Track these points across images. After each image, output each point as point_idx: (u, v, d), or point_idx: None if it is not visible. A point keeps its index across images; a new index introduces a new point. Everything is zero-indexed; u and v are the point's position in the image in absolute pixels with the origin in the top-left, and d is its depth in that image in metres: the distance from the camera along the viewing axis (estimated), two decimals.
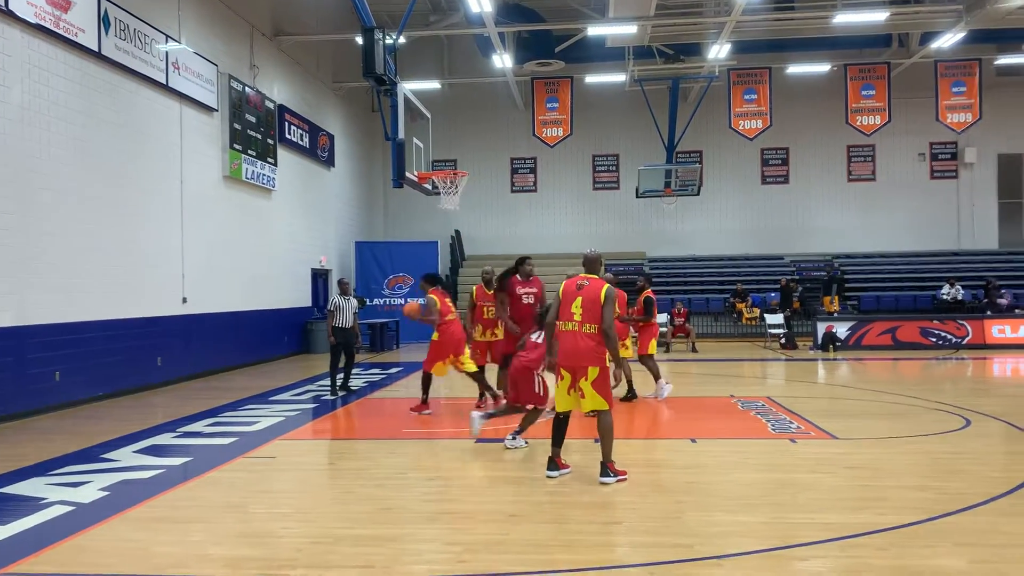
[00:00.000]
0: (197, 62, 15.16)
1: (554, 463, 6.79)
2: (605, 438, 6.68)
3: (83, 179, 11.98)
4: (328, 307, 12.55)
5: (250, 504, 6.23)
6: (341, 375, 12.71)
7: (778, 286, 23.06)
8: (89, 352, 11.94)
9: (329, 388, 12.68)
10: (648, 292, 11.99)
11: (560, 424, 6.83)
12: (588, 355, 6.57)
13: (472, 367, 10.50)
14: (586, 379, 6.57)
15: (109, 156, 12.61)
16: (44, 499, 6.35)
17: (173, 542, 5.27)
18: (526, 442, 8.19)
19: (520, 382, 7.90)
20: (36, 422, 10.35)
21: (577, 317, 6.64)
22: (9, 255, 10.43)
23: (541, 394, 7.99)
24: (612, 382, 6.84)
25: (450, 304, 10.54)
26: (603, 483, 6.52)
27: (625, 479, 6.61)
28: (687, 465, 7.52)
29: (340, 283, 12.98)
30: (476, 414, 8.44)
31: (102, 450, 8.32)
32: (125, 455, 8.07)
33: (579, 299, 6.68)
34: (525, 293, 10.03)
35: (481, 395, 10.66)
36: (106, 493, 6.56)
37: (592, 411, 6.75)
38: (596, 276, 6.90)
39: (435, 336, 10.40)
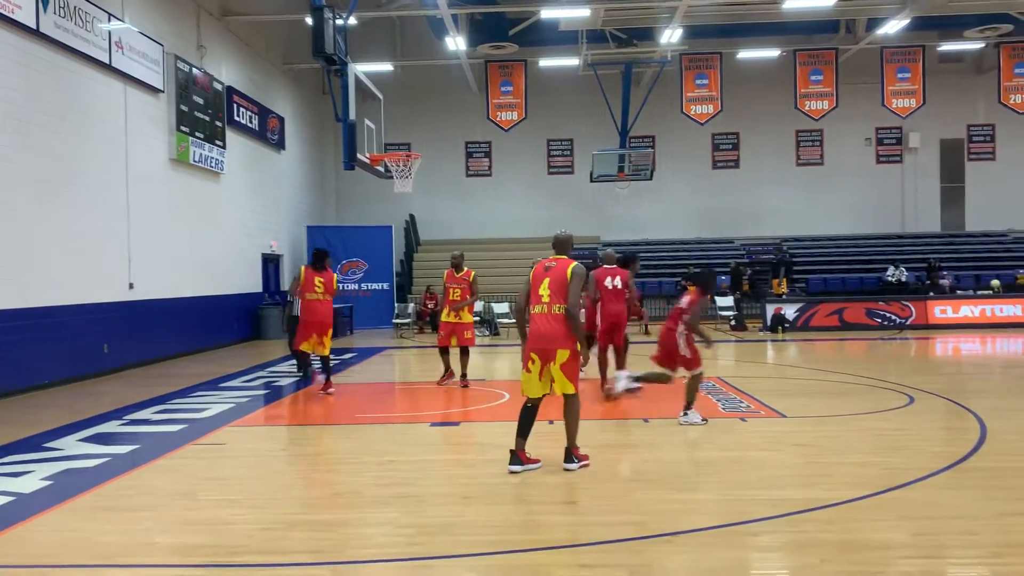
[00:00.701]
0: (142, 41, 14.75)
1: (517, 457, 6.41)
2: (571, 423, 6.54)
3: (24, 161, 11.59)
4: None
5: (199, 491, 6.12)
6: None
7: (728, 269, 23.37)
8: (32, 339, 11.61)
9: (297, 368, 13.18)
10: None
11: (528, 413, 6.59)
12: (557, 338, 6.40)
13: (324, 351, 10.74)
14: (554, 362, 6.40)
15: (51, 138, 12.22)
16: None
17: (119, 531, 5.15)
18: (704, 419, 8.20)
19: (667, 346, 8.32)
20: None
21: (545, 299, 6.49)
22: None
23: (690, 357, 8.24)
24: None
25: (320, 283, 10.64)
26: (567, 469, 6.39)
27: (588, 465, 6.49)
28: (639, 444, 7.60)
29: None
30: (622, 373, 9.11)
31: (45, 439, 8.11)
32: (69, 444, 7.87)
33: (546, 280, 6.53)
34: (611, 277, 10.35)
35: (446, 370, 11.51)
36: (49, 482, 6.39)
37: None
38: (565, 257, 6.71)
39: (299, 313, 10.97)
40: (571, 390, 6.49)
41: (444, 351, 11.46)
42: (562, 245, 6.83)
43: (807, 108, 22.23)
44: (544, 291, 6.52)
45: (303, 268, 10.80)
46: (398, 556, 4.65)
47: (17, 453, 7.47)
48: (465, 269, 11.30)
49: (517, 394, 10.69)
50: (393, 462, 6.97)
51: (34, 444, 7.87)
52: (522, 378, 6.63)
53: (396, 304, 23.32)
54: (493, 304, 21.48)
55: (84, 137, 13.12)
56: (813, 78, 22.04)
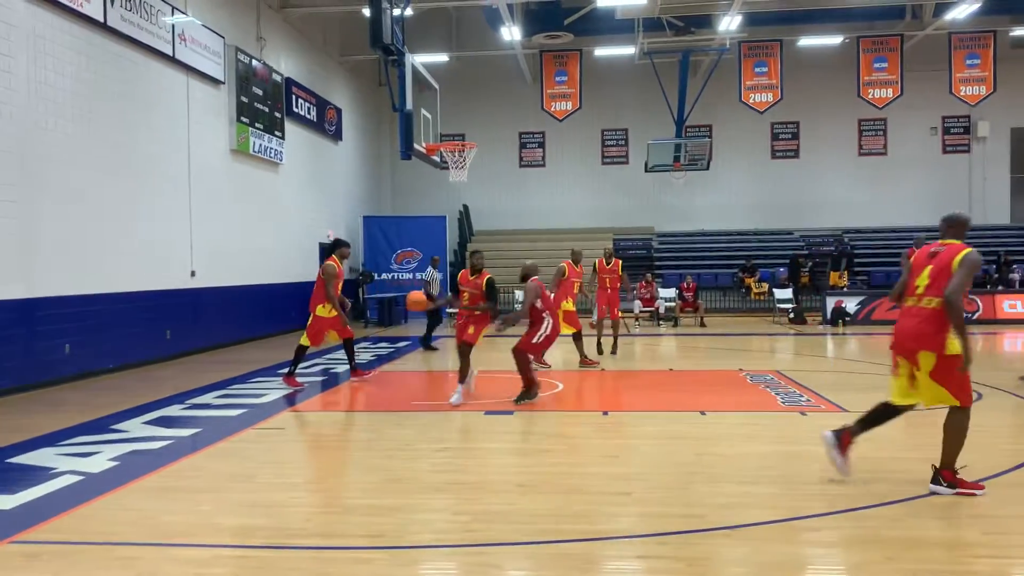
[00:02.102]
0: (204, 34, 15.04)
1: (839, 438, 5.70)
2: (947, 439, 5.45)
3: (91, 152, 11.93)
4: (425, 277, 15.98)
5: (259, 474, 6.23)
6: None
7: (787, 261, 22.94)
8: (98, 325, 11.96)
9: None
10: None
11: (884, 411, 5.80)
12: (921, 337, 5.35)
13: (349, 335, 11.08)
14: (919, 368, 5.40)
15: (116, 128, 12.54)
16: (54, 469, 6.37)
17: (182, 511, 5.27)
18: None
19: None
20: (46, 394, 10.38)
21: (920, 290, 5.45)
22: (18, 228, 10.42)
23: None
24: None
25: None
26: (933, 491, 5.42)
27: (974, 494, 5.34)
28: (696, 437, 7.49)
29: (432, 260, 16.19)
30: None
31: (111, 421, 8.35)
32: (134, 426, 8.09)
33: (928, 268, 5.45)
34: None
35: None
36: (115, 463, 6.58)
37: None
38: (957, 242, 5.51)
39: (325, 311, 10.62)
40: (950, 401, 5.39)
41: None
42: (957, 226, 5.60)
43: (870, 96, 21.63)
44: (922, 280, 5.45)
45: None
46: (454, 542, 4.66)
47: (85, 435, 7.70)
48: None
49: (570, 384, 10.70)
50: (448, 449, 7.00)
51: (101, 426, 8.11)
52: (890, 382, 5.79)
53: (449, 293, 23.37)
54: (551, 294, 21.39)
55: (148, 128, 13.44)
56: (877, 65, 21.43)
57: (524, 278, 9.72)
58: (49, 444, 7.29)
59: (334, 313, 10.56)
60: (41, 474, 6.23)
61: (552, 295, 10.73)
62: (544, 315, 9.41)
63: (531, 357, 9.56)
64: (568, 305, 12.37)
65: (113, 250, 12.41)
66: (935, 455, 5.59)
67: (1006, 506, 5.16)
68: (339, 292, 10.67)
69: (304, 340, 10.62)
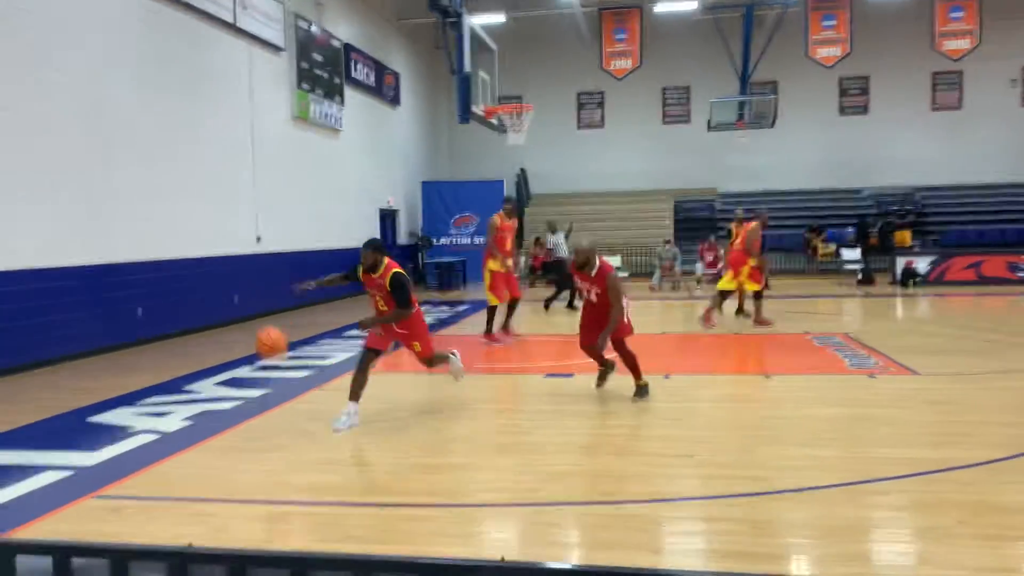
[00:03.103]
0: (264, 1, 15.16)
1: None
2: None
3: (158, 121, 12.19)
4: (548, 245, 16.56)
5: (326, 434, 6.37)
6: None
7: (855, 221, 22.32)
8: (168, 290, 12.32)
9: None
10: None
11: None
12: None
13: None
14: None
15: (182, 98, 12.78)
16: (131, 428, 6.63)
17: (254, 470, 5.43)
18: None
19: None
20: (121, 356, 10.77)
21: None
22: (91, 195, 10.75)
23: None
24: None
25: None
26: None
27: None
28: (761, 400, 7.40)
29: (549, 222, 16.55)
30: None
31: (184, 382, 8.62)
32: (206, 387, 8.34)
33: None
34: None
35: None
36: (189, 423, 6.81)
37: None
38: None
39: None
40: None
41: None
42: None
43: (945, 48, 20.76)
44: None
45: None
46: (517, 501, 4.71)
47: (160, 395, 7.98)
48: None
49: (630, 346, 10.61)
50: (510, 410, 7.06)
51: (174, 387, 8.39)
52: None
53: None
54: (606, 258, 21.27)
55: (211, 95, 13.66)
56: (953, 15, 20.53)
57: (586, 262, 7.30)
58: (126, 404, 7.58)
59: (507, 265, 10.81)
60: (119, 433, 6.48)
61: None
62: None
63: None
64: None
65: (182, 216, 12.72)
66: (1016, 420, 5.41)
67: None
68: (507, 247, 10.89)
69: (491, 300, 10.93)
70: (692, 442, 5.89)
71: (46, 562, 2.14)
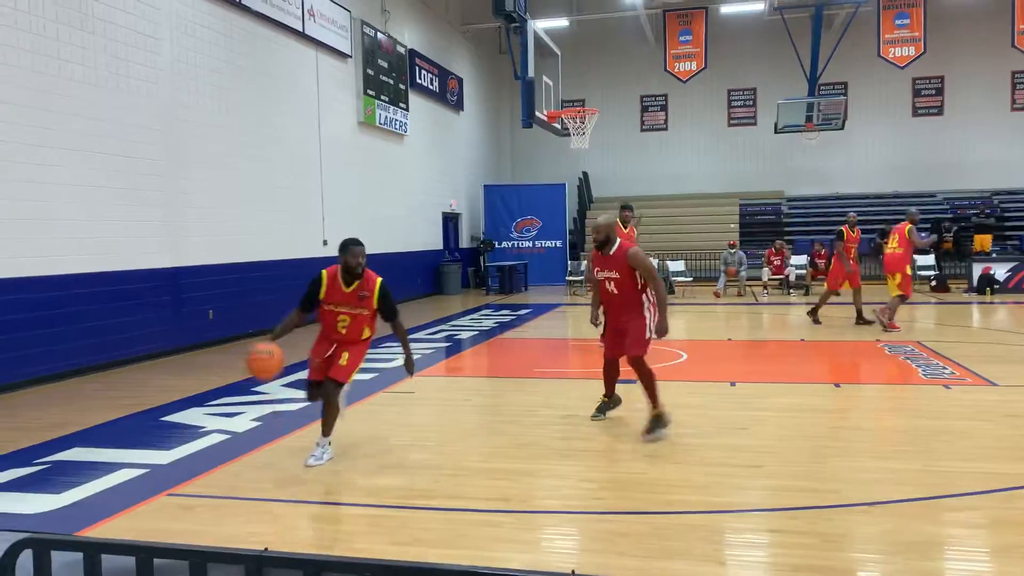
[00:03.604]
0: (331, 8, 15.45)
1: None
2: None
3: (228, 127, 12.53)
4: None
5: (391, 436, 6.45)
6: None
7: (928, 226, 21.61)
8: (239, 292, 12.64)
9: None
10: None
11: None
12: None
13: None
14: None
15: (251, 104, 13.11)
16: (203, 427, 6.82)
17: (321, 471, 5.53)
18: None
19: None
20: (193, 357, 11.08)
21: None
22: (163, 200, 11.10)
23: None
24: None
25: None
26: None
27: None
28: (830, 410, 7.22)
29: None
30: None
31: (253, 383, 8.81)
32: (274, 388, 8.51)
33: None
34: None
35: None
36: (258, 424, 6.97)
37: None
38: None
39: None
40: None
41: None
42: None
43: None
44: None
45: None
46: (581, 509, 4.69)
47: (230, 396, 8.18)
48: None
49: (694, 353, 10.51)
50: (574, 416, 7.02)
51: (244, 388, 8.58)
52: None
53: (569, 261, 23.42)
54: (668, 262, 21.08)
55: (280, 102, 13.97)
56: None
57: (607, 241, 6.34)
58: (197, 404, 7.79)
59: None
60: (191, 432, 6.67)
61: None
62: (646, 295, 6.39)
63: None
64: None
65: (251, 220, 13.04)
66: None
67: None
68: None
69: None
70: (759, 452, 5.78)
71: (129, 561, 2.21)
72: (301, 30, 14.35)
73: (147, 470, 5.62)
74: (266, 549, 2.05)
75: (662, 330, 6.25)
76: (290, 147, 14.27)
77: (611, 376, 6.81)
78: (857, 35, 21.00)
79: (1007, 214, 23.17)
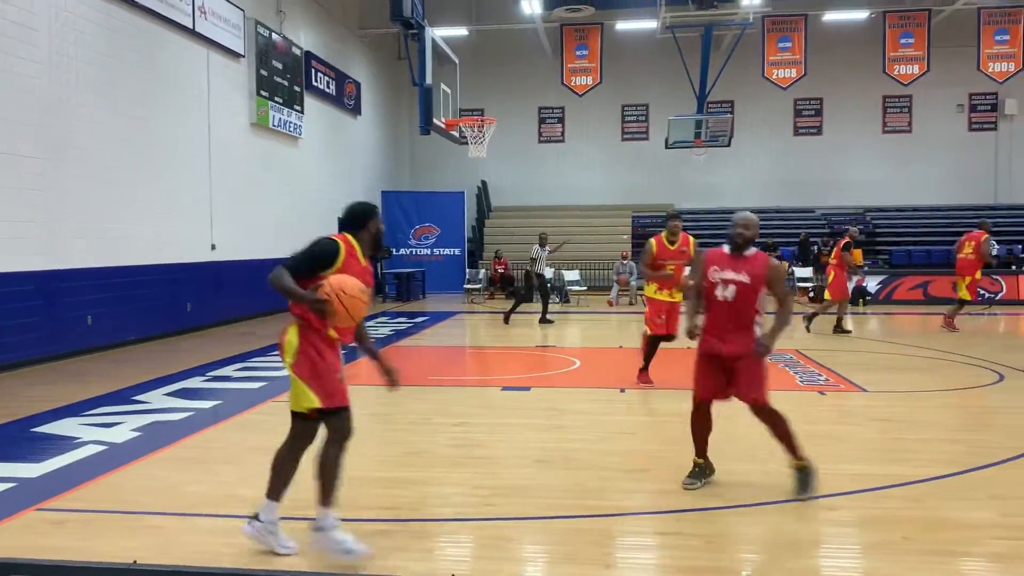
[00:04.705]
0: (223, 7, 15.00)
1: None
2: None
3: (112, 125, 11.98)
4: (532, 255, 15.41)
5: (278, 446, 6.27)
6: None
7: (799, 239, 22.78)
8: (119, 297, 12.08)
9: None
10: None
11: None
12: None
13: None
14: None
15: (137, 102, 12.58)
16: (78, 438, 6.47)
17: (204, 482, 5.34)
18: None
19: None
20: (69, 364, 10.52)
21: None
22: (41, 200, 10.50)
23: None
24: None
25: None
26: None
27: None
28: (715, 415, 7.46)
29: (541, 236, 15.58)
30: None
31: (133, 392, 8.45)
32: (156, 397, 8.18)
33: None
34: None
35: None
36: (138, 434, 6.66)
37: None
38: None
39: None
40: None
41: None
42: None
43: (896, 73, 21.30)
44: None
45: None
46: (472, 516, 4.70)
47: (109, 405, 7.80)
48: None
49: (587, 360, 10.70)
50: (467, 424, 7.04)
51: (124, 397, 8.21)
52: None
53: (467, 269, 23.48)
54: (564, 272, 21.41)
55: (168, 101, 13.46)
56: (903, 41, 21.09)
57: (751, 240, 5.40)
58: (73, 414, 7.39)
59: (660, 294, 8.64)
60: (66, 443, 6.32)
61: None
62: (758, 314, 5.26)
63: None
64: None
65: (134, 223, 12.49)
66: (960, 437, 5.55)
67: (1022, 488, 5.13)
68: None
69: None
70: (648, 457, 5.94)
71: None
72: (191, 27, 13.87)
73: (15, 484, 5.29)
74: (135, 562, 1.96)
75: (770, 344, 5.15)
76: (178, 147, 13.75)
77: (704, 426, 5.37)
78: (743, 56, 21.94)
79: (878, 230, 24.62)
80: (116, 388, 8.67)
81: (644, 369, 8.77)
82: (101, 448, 6.19)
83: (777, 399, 8.13)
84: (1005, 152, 25.70)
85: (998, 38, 20.92)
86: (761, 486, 5.19)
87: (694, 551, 4.17)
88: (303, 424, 4.32)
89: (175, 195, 13.63)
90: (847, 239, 13.57)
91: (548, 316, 15.32)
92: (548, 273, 20.56)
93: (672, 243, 8.43)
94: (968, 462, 5.62)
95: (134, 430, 6.76)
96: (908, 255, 23.38)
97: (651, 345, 8.75)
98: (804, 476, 5.00)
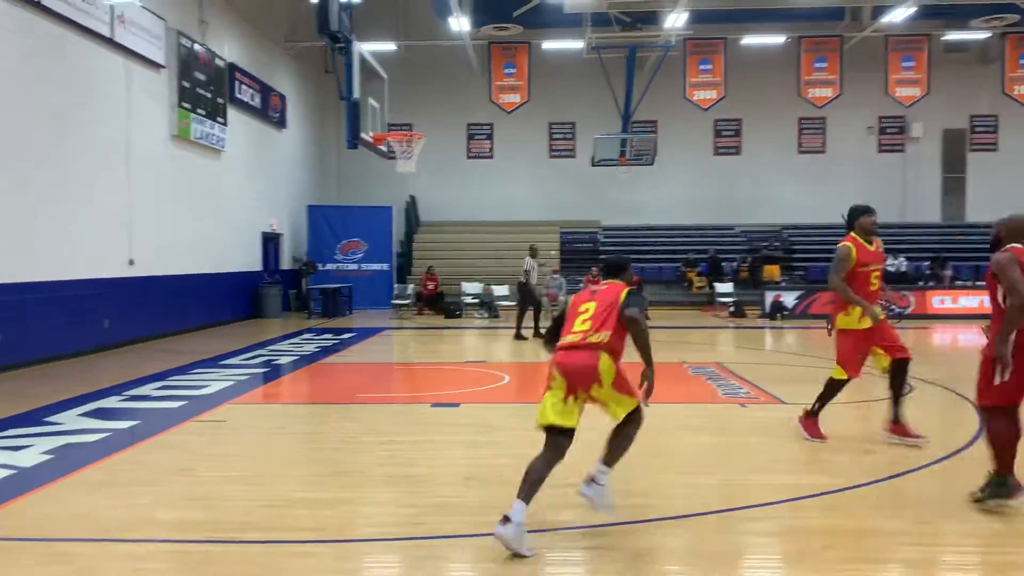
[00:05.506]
0: (144, 16, 14.62)
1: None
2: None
3: (26, 135, 11.53)
4: (525, 267, 15.55)
5: (200, 467, 6.12)
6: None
7: (731, 257, 23.41)
8: (32, 314, 11.58)
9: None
10: None
11: None
12: None
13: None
14: None
15: (53, 112, 12.14)
16: None
17: (120, 506, 5.16)
18: None
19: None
20: None
21: None
22: None
23: None
24: None
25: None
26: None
27: None
28: (641, 428, 7.59)
29: (532, 247, 16.00)
30: None
31: (45, 413, 8.10)
32: (69, 418, 7.86)
33: None
34: None
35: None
36: (49, 457, 6.39)
37: None
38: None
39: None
40: None
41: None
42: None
43: (810, 95, 22.14)
44: None
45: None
46: (400, 535, 4.66)
47: (17, 427, 7.46)
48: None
49: (516, 376, 10.75)
50: (395, 442, 6.98)
51: (34, 418, 7.87)
52: None
53: (396, 285, 23.31)
54: (494, 287, 21.48)
55: (85, 112, 13.03)
56: (817, 65, 21.93)
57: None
58: None
59: (875, 315, 6.56)
60: None
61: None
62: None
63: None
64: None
65: (48, 237, 12.01)
66: (874, 447, 5.75)
67: (934, 496, 5.35)
68: (873, 285, 6.75)
69: (836, 373, 6.84)
70: (574, 471, 5.97)
71: None
72: (110, 36, 13.48)
73: None
74: None
75: (1001, 351, 4.70)
76: (95, 159, 13.30)
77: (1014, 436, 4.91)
78: (666, 78, 22.45)
79: (795, 246, 25.44)
80: (26, 409, 8.30)
81: (815, 414, 6.89)
82: (9, 472, 5.91)
83: (701, 411, 8.34)
84: (912, 173, 26.93)
85: (904, 64, 21.96)
86: (684, 498, 5.29)
87: (620, 564, 4.22)
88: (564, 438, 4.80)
89: (91, 208, 13.17)
90: None
91: (525, 330, 15.44)
92: (497, 292, 20.77)
93: (870, 243, 6.84)
94: (882, 471, 5.85)
95: (45, 453, 6.48)
96: (823, 272, 24.19)
97: (835, 389, 6.89)
98: (999, 486, 4.90)
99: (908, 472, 5.85)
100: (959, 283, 21.90)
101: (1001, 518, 4.85)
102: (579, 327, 4.73)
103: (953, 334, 17.36)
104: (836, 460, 6.29)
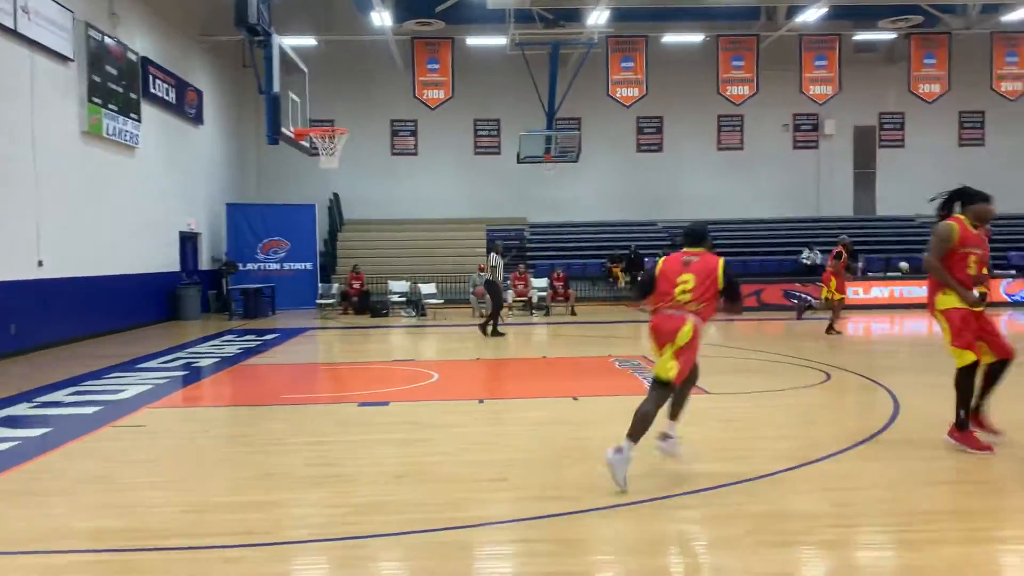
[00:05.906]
0: (50, 7, 13.99)
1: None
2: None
3: None
4: (491, 263, 15.33)
5: (118, 474, 5.90)
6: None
7: (655, 251, 23.78)
8: None
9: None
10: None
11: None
12: None
13: None
14: None
15: None
16: None
17: (31, 516, 4.93)
18: None
19: None
20: None
21: None
22: None
23: None
24: None
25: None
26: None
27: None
28: (570, 422, 7.67)
29: (495, 244, 16.22)
30: None
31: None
32: None
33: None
34: None
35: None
36: None
37: None
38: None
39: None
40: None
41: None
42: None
43: (728, 93, 22.67)
44: None
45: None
46: (331, 536, 4.58)
47: None
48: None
49: (445, 373, 10.70)
50: (322, 443, 6.86)
51: None
52: None
53: (320, 284, 22.94)
54: (421, 284, 21.35)
55: None
56: (735, 64, 22.48)
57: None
58: None
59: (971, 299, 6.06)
60: None
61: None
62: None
63: None
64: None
65: None
66: (794, 433, 5.91)
67: (853, 479, 5.55)
68: (971, 267, 6.14)
69: (959, 358, 6.07)
70: (504, 466, 5.99)
71: None
72: (12, 27, 12.86)
73: None
74: None
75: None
76: None
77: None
78: (590, 75, 22.69)
79: (716, 241, 25.94)
80: None
81: (964, 424, 6.15)
82: None
83: (626, 404, 8.42)
84: (826, 168, 27.90)
85: (817, 63, 22.70)
86: (612, 489, 5.34)
87: (553, 556, 4.24)
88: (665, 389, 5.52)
89: None
90: (839, 248, 14.79)
91: (500, 328, 15.31)
92: (424, 290, 20.62)
93: (976, 227, 6.23)
94: (801, 457, 6.03)
95: None
96: (744, 264, 24.84)
97: (968, 380, 6.10)
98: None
99: (828, 456, 6.05)
100: (870, 274, 22.77)
101: (920, 500, 5.06)
102: (680, 296, 5.37)
103: (867, 323, 18.03)
104: (759, 448, 6.49)
